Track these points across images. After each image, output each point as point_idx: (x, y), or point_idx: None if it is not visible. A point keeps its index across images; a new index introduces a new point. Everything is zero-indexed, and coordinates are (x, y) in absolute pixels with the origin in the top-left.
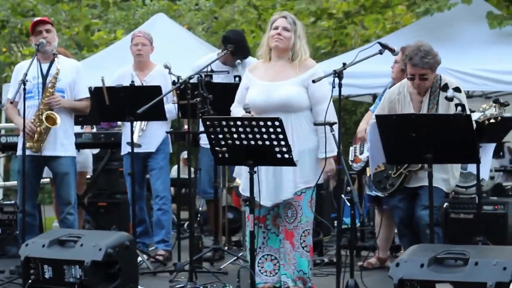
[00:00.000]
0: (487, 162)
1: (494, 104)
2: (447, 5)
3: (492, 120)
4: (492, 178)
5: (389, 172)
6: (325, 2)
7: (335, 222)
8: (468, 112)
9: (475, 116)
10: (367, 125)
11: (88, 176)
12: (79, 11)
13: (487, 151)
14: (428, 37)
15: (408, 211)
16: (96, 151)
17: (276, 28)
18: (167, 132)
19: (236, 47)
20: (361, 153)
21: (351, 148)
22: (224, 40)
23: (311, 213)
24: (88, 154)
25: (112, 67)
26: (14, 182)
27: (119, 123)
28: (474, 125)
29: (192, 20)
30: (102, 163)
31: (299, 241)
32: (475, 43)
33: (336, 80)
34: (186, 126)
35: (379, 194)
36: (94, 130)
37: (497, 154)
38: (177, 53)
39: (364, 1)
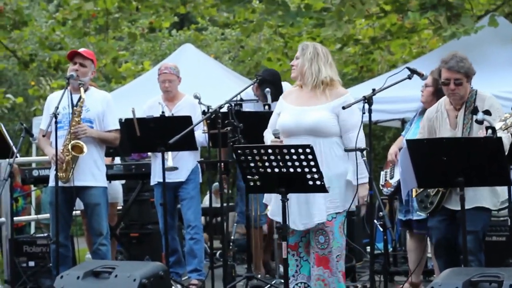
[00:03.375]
0: None
1: None
2: (474, 29)
3: None
4: None
5: (428, 191)
6: (352, 29)
7: (367, 247)
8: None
9: (496, 126)
10: (397, 148)
11: (119, 207)
12: (106, 44)
13: None
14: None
15: (447, 233)
16: (124, 181)
17: (294, 58)
18: (198, 162)
19: (271, 88)
20: (391, 177)
21: (382, 173)
22: (260, 82)
23: (342, 239)
24: (118, 185)
25: (141, 98)
26: (46, 215)
27: (149, 154)
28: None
29: (218, 50)
30: (134, 194)
31: (335, 266)
32: (502, 65)
33: (366, 106)
34: None
35: (423, 214)
36: (118, 161)
37: None
38: (205, 82)
39: (390, 26)
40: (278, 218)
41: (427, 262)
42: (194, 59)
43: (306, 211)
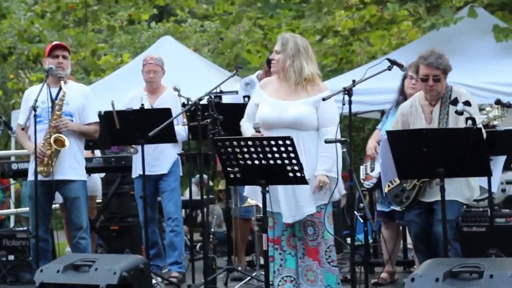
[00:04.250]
0: (497, 175)
1: (496, 106)
2: (453, 20)
3: (496, 122)
4: (503, 190)
5: (404, 185)
6: (331, 20)
7: (348, 239)
8: (478, 125)
9: (478, 120)
10: (375, 143)
11: (98, 200)
12: (85, 36)
13: (497, 164)
14: None
15: (425, 227)
16: (103, 174)
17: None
18: (178, 154)
19: None
20: (372, 170)
21: (362, 168)
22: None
23: (332, 229)
24: (97, 178)
25: (120, 90)
26: (25, 209)
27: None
28: (485, 135)
29: (198, 42)
30: (113, 187)
31: (325, 256)
32: (481, 56)
33: (346, 97)
34: None
35: (397, 208)
36: (98, 154)
37: (508, 166)
38: (185, 75)
39: (369, 17)
40: (254, 197)
41: (407, 253)
42: (173, 51)
43: (295, 203)
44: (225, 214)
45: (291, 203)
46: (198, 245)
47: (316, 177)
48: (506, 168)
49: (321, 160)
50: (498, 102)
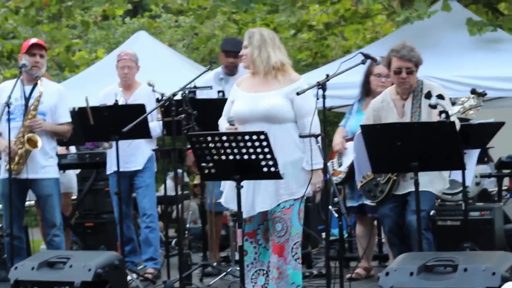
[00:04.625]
0: (471, 168)
1: (472, 95)
2: (427, 13)
3: (472, 111)
4: (477, 184)
5: (378, 179)
6: (305, 15)
7: (323, 233)
8: (453, 119)
9: (455, 110)
10: (341, 138)
11: (74, 197)
12: (59, 32)
13: (471, 157)
14: None
15: (398, 220)
16: (78, 171)
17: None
18: (153, 150)
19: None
20: (340, 165)
21: (329, 164)
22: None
23: (300, 225)
24: (72, 174)
25: (95, 86)
26: None
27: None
28: (458, 125)
29: (172, 37)
30: (88, 183)
31: (291, 253)
32: (455, 50)
33: (320, 91)
34: None
35: (369, 203)
36: (73, 150)
37: (481, 160)
38: (159, 70)
39: (343, 12)
40: (232, 205)
41: (382, 247)
42: (148, 46)
43: (253, 199)
44: (200, 210)
45: (249, 198)
46: (174, 241)
47: (313, 183)
48: (480, 161)
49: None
50: (473, 91)
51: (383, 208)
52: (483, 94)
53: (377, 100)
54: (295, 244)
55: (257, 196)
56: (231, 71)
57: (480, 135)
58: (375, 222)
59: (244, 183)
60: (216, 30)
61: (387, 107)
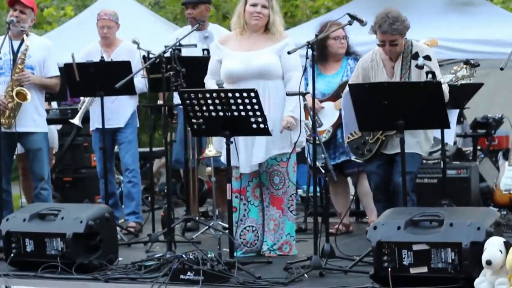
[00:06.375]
0: (453, 128)
1: (465, 66)
2: None
3: (463, 81)
4: (454, 143)
5: (366, 138)
6: None
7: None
8: (439, 78)
9: (447, 79)
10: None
11: (54, 152)
12: None
13: (451, 116)
14: (380, 7)
15: (385, 177)
16: (59, 126)
17: (255, 5)
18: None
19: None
20: (320, 125)
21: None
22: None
23: (295, 178)
24: (54, 130)
25: (71, 44)
26: None
27: (81, 98)
28: (447, 88)
29: None
30: (69, 139)
31: (287, 205)
32: (428, 12)
33: (309, 51)
34: (160, 101)
35: (357, 160)
36: (55, 106)
37: (458, 120)
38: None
39: None
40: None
41: (359, 204)
42: (117, 3)
43: (250, 154)
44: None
45: (248, 154)
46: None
47: (283, 119)
48: (457, 122)
49: (287, 102)
50: (467, 62)
51: (371, 166)
52: (475, 65)
53: (365, 59)
54: (291, 196)
55: (252, 150)
56: (194, 24)
57: (459, 95)
58: (349, 179)
59: (240, 140)
60: None
61: (377, 67)
